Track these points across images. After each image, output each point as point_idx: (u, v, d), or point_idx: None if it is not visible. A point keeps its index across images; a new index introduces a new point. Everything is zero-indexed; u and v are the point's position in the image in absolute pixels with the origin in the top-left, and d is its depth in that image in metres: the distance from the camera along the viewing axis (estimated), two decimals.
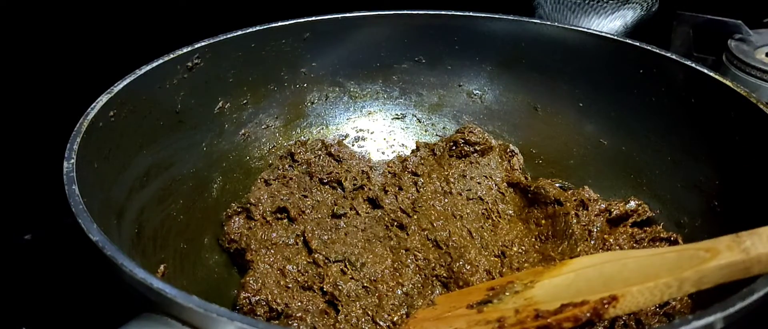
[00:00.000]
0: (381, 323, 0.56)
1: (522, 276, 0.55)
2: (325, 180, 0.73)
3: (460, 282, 0.60)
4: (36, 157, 0.66)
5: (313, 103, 0.82)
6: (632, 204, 0.67)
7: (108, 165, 0.54)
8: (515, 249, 0.65)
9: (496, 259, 0.63)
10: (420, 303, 0.58)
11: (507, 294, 0.52)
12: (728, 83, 0.60)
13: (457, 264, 0.61)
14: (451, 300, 0.56)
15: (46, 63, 0.78)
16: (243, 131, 0.75)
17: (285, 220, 0.67)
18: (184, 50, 0.65)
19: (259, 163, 0.76)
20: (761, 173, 0.55)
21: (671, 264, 0.42)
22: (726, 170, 0.61)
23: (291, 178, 0.73)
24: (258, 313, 0.57)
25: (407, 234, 0.65)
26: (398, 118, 0.86)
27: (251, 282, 0.59)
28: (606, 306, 0.41)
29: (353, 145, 0.83)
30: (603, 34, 0.73)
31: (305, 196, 0.71)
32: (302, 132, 0.81)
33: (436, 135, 0.85)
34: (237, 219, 0.68)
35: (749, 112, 0.57)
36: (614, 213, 0.66)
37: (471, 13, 0.77)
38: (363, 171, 0.74)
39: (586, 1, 0.97)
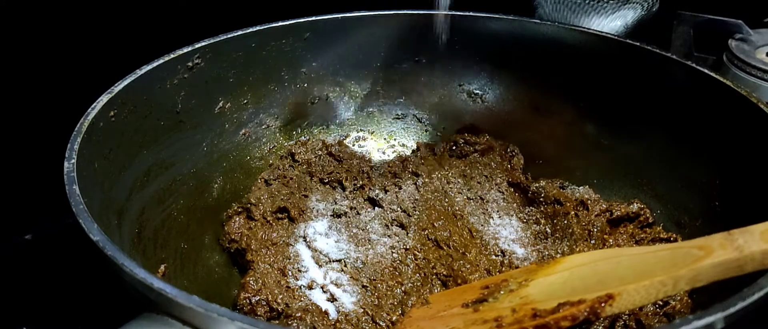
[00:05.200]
0: (380, 323, 0.56)
1: (516, 275, 0.55)
2: (325, 180, 0.73)
3: (458, 281, 0.60)
4: (36, 157, 0.66)
5: (313, 103, 0.82)
6: (635, 206, 0.66)
7: (109, 165, 0.54)
8: (515, 248, 0.65)
9: (496, 259, 0.63)
10: (414, 300, 0.58)
11: (502, 292, 0.52)
12: (729, 83, 0.60)
13: (458, 263, 0.61)
14: (445, 299, 0.56)
15: (46, 63, 0.78)
16: (243, 131, 0.75)
17: (285, 220, 0.67)
18: (185, 50, 0.65)
19: (259, 163, 0.76)
20: (761, 173, 0.55)
21: (666, 263, 0.42)
22: (726, 170, 0.61)
23: (291, 178, 0.73)
24: (258, 313, 0.57)
25: (407, 233, 0.66)
26: (399, 118, 0.86)
27: (251, 282, 0.59)
28: (603, 304, 0.41)
29: (354, 145, 0.83)
30: (603, 34, 0.73)
31: (305, 196, 0.71)
32: (303, 132, 0.81)
33: (437, 135, 0.85)
34: (237, 219, 0.68)
35: (749, 112, 0.57)
36: (616, 214, 0.66)
37: (471, 13, 0.77)
38: (363, 171, 0.74)
39: (587, 1, 0.97)
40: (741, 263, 0.39)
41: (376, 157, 0.84)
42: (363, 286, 0.60)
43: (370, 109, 0.85)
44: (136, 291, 0.37)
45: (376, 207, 0.70)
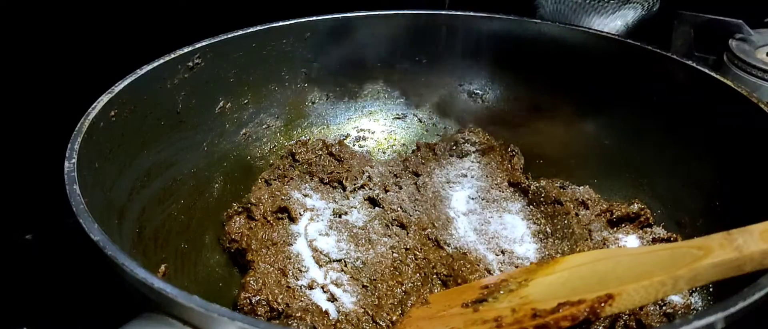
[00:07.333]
0: (380, 322, 0.56)
1: (516, 274, 0.55)
2: (325, 180, 0.73)
3: (458, 281, 0.60)
4: (37, 157, 0.66)
5: (314, 103, 0.82)
6: (635, 206, 0.67)
7: (109, 165, 0.54)
8: (515, 248, 0.65)
9: (496, 258, 0.63)
10: (414, 300, 0.58)
11: (501, 292, 0.52)
12: (729, 83, 0.60)
13: (458, 263, 0.61)
14: (445, 299, 0.56)
15: (47, 63, 0.78)
16: (244, 131, 0.75)
17: (285, 220, 0.67)
18: (185, 50, 0.65)
19: (260, 163, 0.76)
20: (761, 173, 0.55)
21: (665, 263, 0.42)
22: (727, 170, 0.61)
23: (292, 178, 0.73)
24: (259, 313, 0.57)
25: (408, 233, 0.65)
26: (399, 118, 0.86)
27: (252, 282, 0.59)
28: (602, 304, 0.41)
29: (354, 145, 0.83)
30: (604, 34, 0.73)
31: (306, 196, 0.71)
32: (303, 132, 0.82)
33: (437, 135, 0.85)
34: (238, 219, 0.68)
35: (750, 111, 0.57)
36: (616, 214, 0.66)
37: (471, 13, 0.77)
38: (364, 170, 0.74)
39: (587, 1, 0.97)
40: (740, 263, 0.39)
41: (377, 156, 0.84)
42: (363, 286, 0.60)
43: (370, 109, 0.85)
44: (137, 291, 0.37)
45: (377, 207, 0.69)
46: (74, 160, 0.47)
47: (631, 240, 0.65)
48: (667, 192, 0.67)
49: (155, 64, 0.62)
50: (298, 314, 0.56)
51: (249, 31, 0.71)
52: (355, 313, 0.57)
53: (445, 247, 0.64)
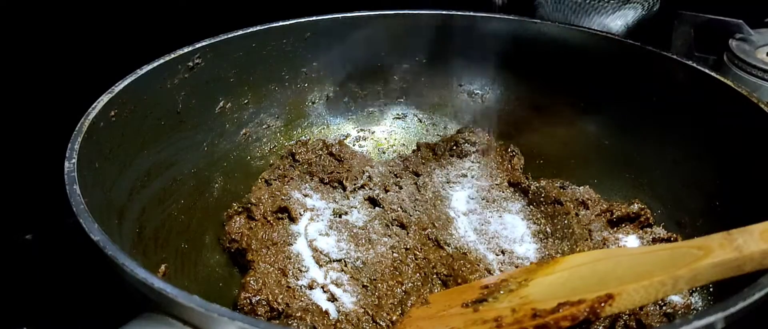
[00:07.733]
0: (380, 322, 0.56)
1: (516, 274, 0.55)
2: (326, 180, 0.73)
3: (458, 280, 0.60)
4: (37, 157, 0.66)
5: (314, 103, 0.82)
6: (635, 206, 0.66)
7: (109, 165, 0.54)
8: (515, 248, 0.65)
9: (496, 259, 0.63)
10: (414, 300, 0.58)
11: (502, 292, 0.52)
12: (729, 83, 0.60)
13: (458, 263, 0.61)
14: (445, 299, 0.56)
15: (47, 63, 0.78)
16: (244, 131, 0.75)
17: (285, 220, 0.67)
18: (185, 50, 0.65)
19: (260, 163, 0.76)
20: (761, 173, 0.55)
21: (665, 263, 0.42)
22: (727, 170, 0.61)
23: (292, 178, 0.73)
24: (259, 313, 0.57)
25: (408, 233, 0.65)
26: (399, 118, 0.86)
27: (252, 282, 0.59)
28: (602, 304, 0.41)
29: (354, 145, 0.83)
30: (604, 34, 0.73)
31: (306, 196, 0.71)
32: (303, 131, 0.82)
33: (437, 135, 0.85)
34: (238, 219, 0.68)
35: (750, 111, 0.57)
36: (616, 214, 0.66)
37: (471, 13, 0.77)
38: (364, 170, 0.74)
39: (587, 1, 0.97)
40: (740, 263, 0.39)
41: (377, 156, 0.84)
42: (363, 286, 0.60)
43: (370, 109, 0.85)
44: (137, 291, 0.37)
45: (377, 207, 0.69)
46: (74, 160, 0.47)
47: (631, 240, 0.65)
48: (667, 192, 0.67)
49: (155, 64, 0.62)
50: (298, 314, 0.56)
51: (249, 31, 0.71)
52: (355, 313, 0.57)
53: (445, 247, 0.64)
